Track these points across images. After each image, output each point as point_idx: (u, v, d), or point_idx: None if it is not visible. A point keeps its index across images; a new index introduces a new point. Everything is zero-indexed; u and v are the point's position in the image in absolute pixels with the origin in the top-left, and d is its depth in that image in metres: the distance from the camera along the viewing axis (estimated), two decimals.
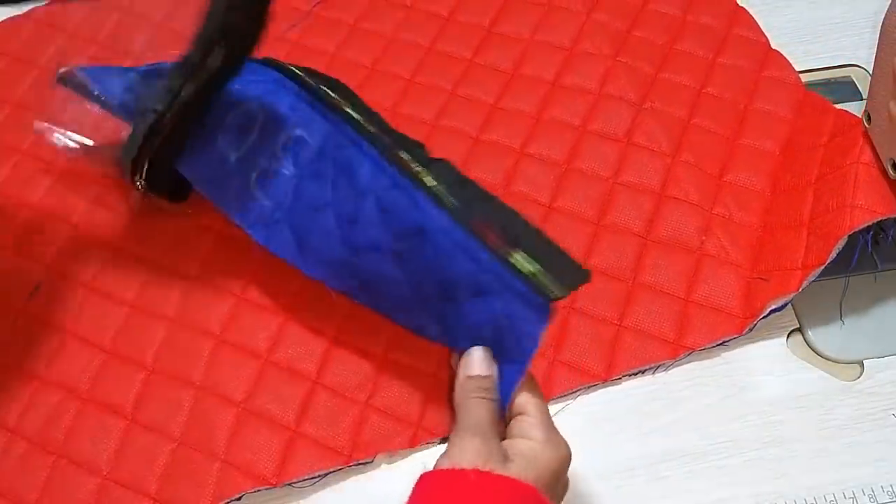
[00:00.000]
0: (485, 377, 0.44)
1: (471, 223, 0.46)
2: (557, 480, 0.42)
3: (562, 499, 0.44)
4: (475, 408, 0.43)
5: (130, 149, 0.54)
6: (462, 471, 0.39)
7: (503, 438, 0.43)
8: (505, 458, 0.41)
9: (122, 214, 0.62)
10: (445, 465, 0.40)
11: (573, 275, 0.43)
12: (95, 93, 0.58)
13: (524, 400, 0.43)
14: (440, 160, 0.50)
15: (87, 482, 0.52)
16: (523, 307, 0.44)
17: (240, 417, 0.54)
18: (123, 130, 0.56)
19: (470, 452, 0.40)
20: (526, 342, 0.44)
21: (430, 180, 0.48)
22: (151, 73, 0.58)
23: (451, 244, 0.46)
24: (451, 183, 0.48)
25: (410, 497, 0.40)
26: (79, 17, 0.72)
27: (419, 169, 0.49)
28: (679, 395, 0.55)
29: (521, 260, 0.44)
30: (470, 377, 0.44)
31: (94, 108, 0.58)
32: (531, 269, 0.44)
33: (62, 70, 0.60)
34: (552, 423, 0.44)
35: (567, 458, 0.43)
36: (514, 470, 0.40)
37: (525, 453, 0.41)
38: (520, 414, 0.43)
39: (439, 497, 0.39)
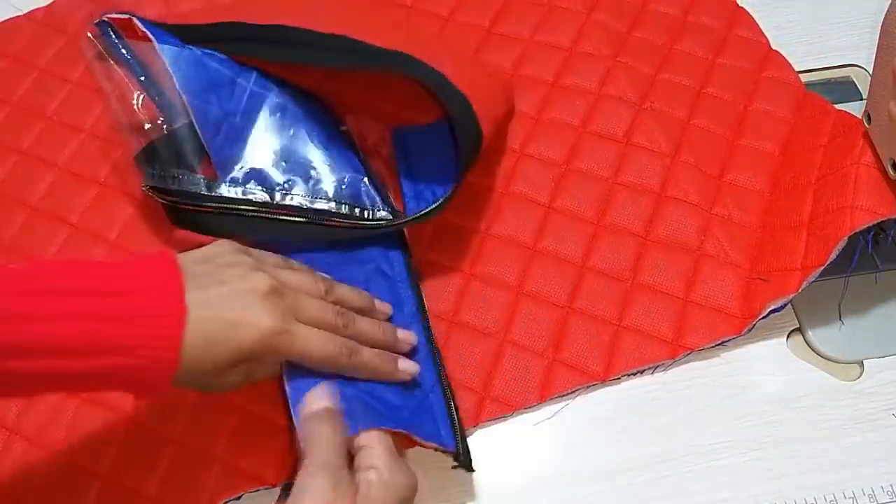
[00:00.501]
0: (330, 409, 0.44)
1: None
2: None
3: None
4: (323, 443, 0.43)
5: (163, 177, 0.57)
6: None
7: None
8: (355, 490, 0.41)
9: (121, 215, 0.62)
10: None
11: (466, 456, 0.50)
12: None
13: (367, 433, 0.44)
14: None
15: (88, 482, 0.52)
16: (430, 420, 0.50)
17: (240, 419, 0.54)
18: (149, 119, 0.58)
19: (318, 492, 0.40)
20: (398, 423, 0.47)
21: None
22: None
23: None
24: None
25: None
26: (79, 18, 0.71)
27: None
28: (679, 395, 0.55)
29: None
30: (315, 411, 0.44)
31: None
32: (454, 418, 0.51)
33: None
34: (395, 452, 0.44)
35: (413, 485, 0.43)
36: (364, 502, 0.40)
37: (373, 481, 0.42)
38: (364, 446, 0.44)
39: None
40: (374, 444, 0.44)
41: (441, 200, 0.54)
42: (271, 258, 0.50)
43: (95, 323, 0.38)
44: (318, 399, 0.45)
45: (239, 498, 0.51)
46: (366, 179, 0.59)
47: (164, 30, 0.60)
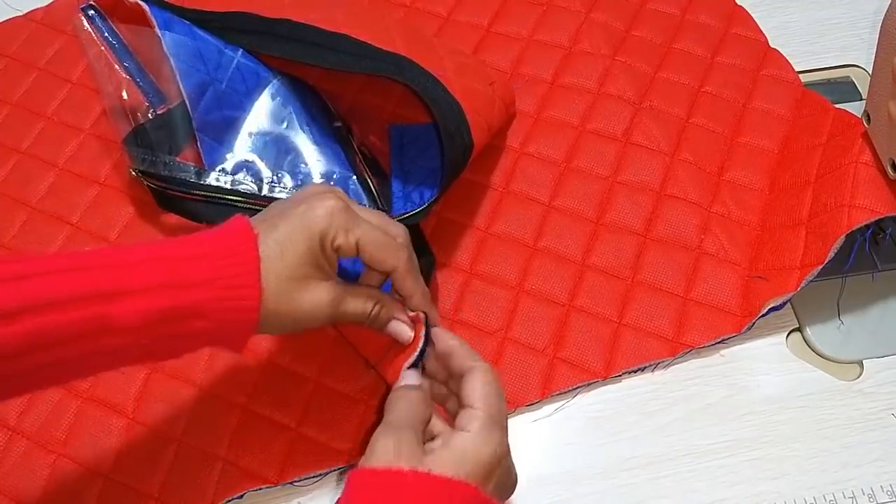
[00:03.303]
0: (416, 385, 0.45)
1: None
2: (489, 474, 0.41)
3: (509, 492, 0.43)
4: (394, 404, 0.44)
5: (154, 162, 0.57)
6: (399, 471, 0.39)
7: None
8: (425, 452, 0.41)
9: (122, 215, 0.62)
10: (366, 464, 0.40)
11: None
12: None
13: (475, 392, 0.43)
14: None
15: (89, 481, 0.52)
16: None
17: (242, 418, 0.54)
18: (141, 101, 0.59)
19: (382, 453, 0.40)
20: None
21: None
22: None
23: None
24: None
25: (345, 493, 0.40)
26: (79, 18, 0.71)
27: None
28: (679, 394, 0.55)
29: None
30: (400, 384, 0.46)
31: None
32: None
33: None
34: (497, 418, 0.43)
35: (497, 454, 0.42)
36: (436, 464, 0.40)
37: (453, 446, 0.41)
38: (467, 406, 0.43)
39: (378, 498, 0.39)
40: (476, 405, 0.43)
41: (425, 206, 0.54)
42: None
43: (179, 266, 0.40)
44: (406, 378, 0.46)
45: (241, 497, 0.52)
46: (354, 178, 0.59)
47: (162, 7, 0.60)
